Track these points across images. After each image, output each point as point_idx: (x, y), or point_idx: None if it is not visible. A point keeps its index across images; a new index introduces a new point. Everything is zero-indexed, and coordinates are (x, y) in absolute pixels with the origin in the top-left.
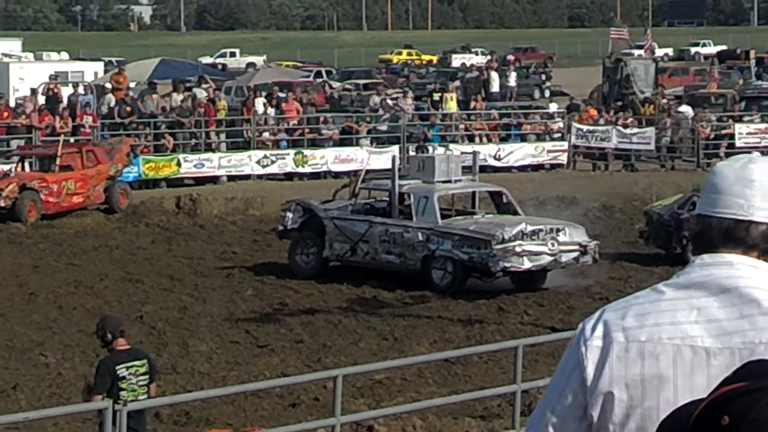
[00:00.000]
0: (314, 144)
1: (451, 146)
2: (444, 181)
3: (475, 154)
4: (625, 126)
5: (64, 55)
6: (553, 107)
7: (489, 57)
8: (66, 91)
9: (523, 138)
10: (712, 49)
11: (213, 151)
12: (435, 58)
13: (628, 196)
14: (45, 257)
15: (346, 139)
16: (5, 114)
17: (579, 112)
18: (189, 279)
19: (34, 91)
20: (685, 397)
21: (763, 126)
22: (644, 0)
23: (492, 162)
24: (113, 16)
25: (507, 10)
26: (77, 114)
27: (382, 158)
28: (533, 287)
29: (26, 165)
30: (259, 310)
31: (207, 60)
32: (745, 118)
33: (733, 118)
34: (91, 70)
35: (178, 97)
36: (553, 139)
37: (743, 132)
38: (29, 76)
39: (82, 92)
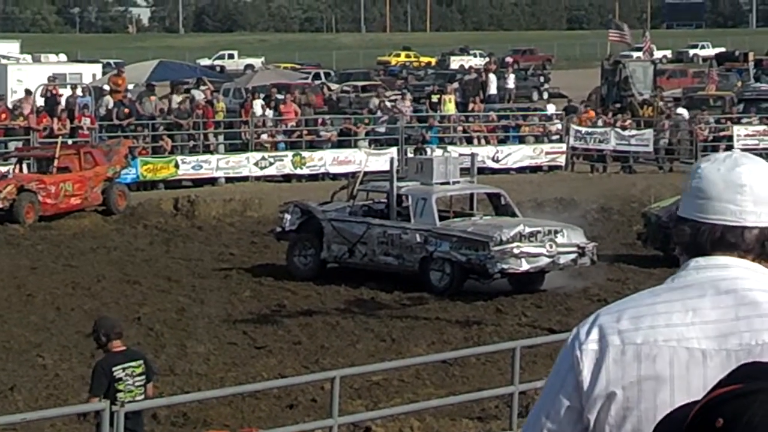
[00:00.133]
0: (312, 146)
1: (449, 148)
2: (442, 183)
3: (473, 155)
4: (624, 128)
5: (63, 57)
6: (550, 108)
7: (487, 59)
8: (64, 93)
9: (522, 140)
10: (710, 51)
11: (211, 152)
12: (433, 60)
13: (626, 198)
14: (43, 258)
15: (345, 140)
16: (3, 116)
17: (576, 114)
18: (187, 280)
19: (29, 93)
20: (681, 399)
21: (761, 128)
22: (643, 2)
23: (490, 164)
24: (111, 18)
25: (505, 12)
26: (75, 116)
27: (381, 160)
28: (531, 289)
29: (24, 166)
30: (256, 311)
31: (205, 62)
32: (744, 120)
33: (732, 120)
34: (90, 72)
35: (176, 99)
36: (551, 141)
37: (742, 134)
38: (27, 77)
39: (80, 94)
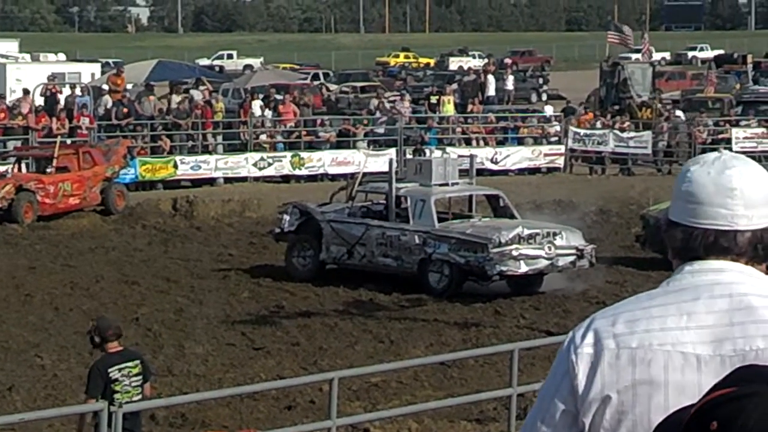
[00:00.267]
0: (311, 146)
1: (448, 149)
2: (441, 185)
3: (472, 157)
4: (622, 130)
5: (61, 57)
6: (548, 110)
7: (486, 60)
8: (63, 93)
9: (520, 141)
10: (709, 54)
11: (210, 153)
12: (432, 61)
13: (624, 200)
14: (41, 258)
15: (343, 141)
16: (1, 115)
17: (575, 116)
18: (185, 281)
19: (27, 92)
20: (676, 403)
21: (760, 130)
22: (642, 4)
23: (489, 165)
24: (110, 17)
25: (504, 13)
26: (74, 115)
27: (379, 161)
28: (530, 291)
29: (23, 166)
30: (255, 312)
31: (204, 62)
32: (742, 123)
33: (730, 122)
34: (88, 72)
35: (175, 99)
36: (550, 143)
37: (740, 136)
38: (26, 77)
39: (79, 93)
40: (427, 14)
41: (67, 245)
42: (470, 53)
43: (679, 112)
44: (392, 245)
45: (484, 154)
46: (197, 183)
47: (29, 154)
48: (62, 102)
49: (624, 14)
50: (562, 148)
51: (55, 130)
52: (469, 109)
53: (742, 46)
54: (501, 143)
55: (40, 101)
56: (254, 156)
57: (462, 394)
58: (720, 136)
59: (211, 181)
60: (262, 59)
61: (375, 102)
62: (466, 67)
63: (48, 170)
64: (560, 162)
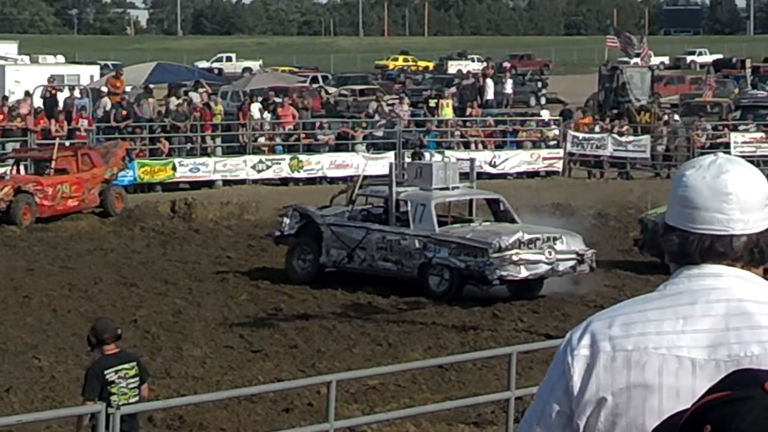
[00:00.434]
0: (310, 149)
1: (447, 153)
2: (441, 189)
3: (472, 161)
4: (621, 134)
5: (60, 59)
6: (544, 114)
7: (485, 64)
8: (62, 95)
9: (519, 145)
10: (708, 58)
11: (209, 155)
12: (431, 65)
13: (623, 204)
14: (39, 260)
15: (342, 144)
16: (0, 117)
17: (572, 119)
18: (183, 283)
19: (29, 94)
20: (670, 407)
21: (758, 135)
22: (641, 8)
23: (487, 169)
24: (110, 19)
25: (503, 17)
26: (73, 117)
27: (378, 164)
28: (530, 295)
29: (21, 168)
30: (253, 314)
31: (203, 64)
32: (741, 127)
33: (729, 126)
34: (87, 74)
35: (174, 101)
36: (548, 147)
37: (739, 141)
38: (25, 79)
39: (78, 95)
40: (426, 18)
41: (66, 247)
42: (469, 57)
43: (677, 118)
44: (392, 249)
45: (482, 158)
46: (196, 185)
47: (28, 156)
48: (61, 104)
49: (623, 18)
50: (560, 152)
51: (53, 132)
52: (467, 113)
53: (740, 51)
54: (500, 147)
55: (39, 103)
56: (253, 159)
57: (460, 397)
58: (718, 141)
59: (209, 184)
60: (261, 62)
61: (374, 105)
62: (465, 71)
63: (46, 172)
64: (559, 166)
